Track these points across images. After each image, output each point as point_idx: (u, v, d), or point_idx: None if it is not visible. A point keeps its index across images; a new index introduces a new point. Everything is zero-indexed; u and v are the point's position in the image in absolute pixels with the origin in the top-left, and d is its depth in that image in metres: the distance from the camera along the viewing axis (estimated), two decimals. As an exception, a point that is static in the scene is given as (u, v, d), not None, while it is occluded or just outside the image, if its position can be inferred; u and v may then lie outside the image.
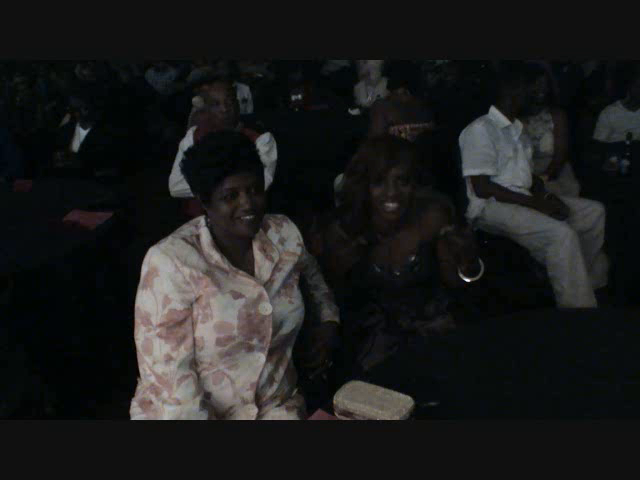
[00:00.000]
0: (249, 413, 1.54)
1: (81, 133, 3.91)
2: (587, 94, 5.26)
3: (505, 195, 3.03)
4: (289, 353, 1.62)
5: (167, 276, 1.43)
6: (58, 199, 2.98)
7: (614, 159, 3.18)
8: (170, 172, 2.99)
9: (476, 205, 3.07)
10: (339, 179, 3.18)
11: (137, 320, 1.46)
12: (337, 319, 1.75)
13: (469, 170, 3.07)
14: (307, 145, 4.03)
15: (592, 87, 5.34)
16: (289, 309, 1.56)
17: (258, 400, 1.55)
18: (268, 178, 2.87)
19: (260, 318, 1.50)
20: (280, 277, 1.57)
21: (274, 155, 3.03)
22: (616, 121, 3.79)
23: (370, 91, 5.36)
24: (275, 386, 1.58)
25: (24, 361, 2.22)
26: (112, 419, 2.01)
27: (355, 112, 4.87)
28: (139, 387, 1.64)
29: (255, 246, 1.56)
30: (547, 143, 3.40)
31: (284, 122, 4.38)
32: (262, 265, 1.55)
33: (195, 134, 3.00)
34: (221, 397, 1.52)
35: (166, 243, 1.47)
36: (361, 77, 5.79)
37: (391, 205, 1.75)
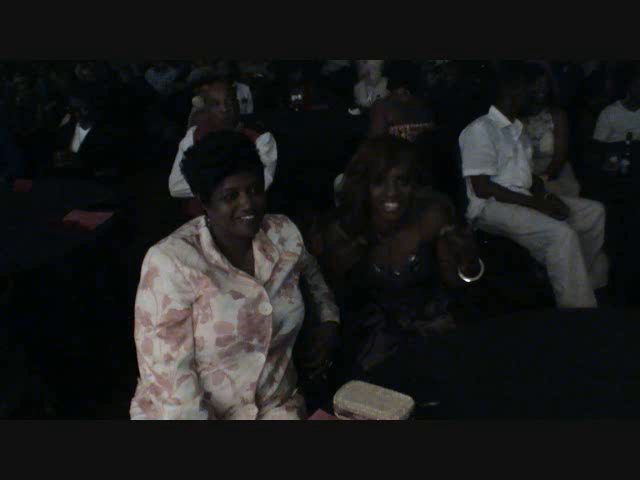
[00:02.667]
0: (249, 413, 1.54)
1: (81, 133, 3.91)
2: (587, 94, 5.25)
3: (505, 195, 3.02)
4: (289, 353, 1.62)
5: (167, 276, 1.43)
6: (58, 199, 2.98)
7: (614, 159, 3.17)
8: (170, 172, 2.99)
9: (476, 205, 3.07)
10: (339, 179, 3.18)
11: (137, 320, 1.46)
12: (337, 319, 1.75)
13: (469, 170, 3.07)
14: (307, 145, 4.03)
15: (592, 87, 5.34)
16: (289, 309, 1.56)
17: (258, 400, 1.55)
18: (268, 178, 2.87)
19: (260, 318, 1.50)
20: (280, 277, 1.57)
21: (274, 155, 3.03)
22: (616, 121, 3.78)
23: (370, 91, 5.36)
24: (275, 386, 1.58)
25: (24, 361, 2.22)
26: (112, 419, 2.01)
27: (355, 112, 4.87)
28: (139, 387, 1.64)
29: (255, 246, 1.56)
30: (547, 143, 3.40)
31: (284, 122, 4.38)
32: (262, 265, 1.55)
33: (195, 134, 3.00)
34: (221, 397, 1.52)
35: (166, 243, 1.47)
36: (361, 77, 5.78)
37: (391, 205, 1.75)
